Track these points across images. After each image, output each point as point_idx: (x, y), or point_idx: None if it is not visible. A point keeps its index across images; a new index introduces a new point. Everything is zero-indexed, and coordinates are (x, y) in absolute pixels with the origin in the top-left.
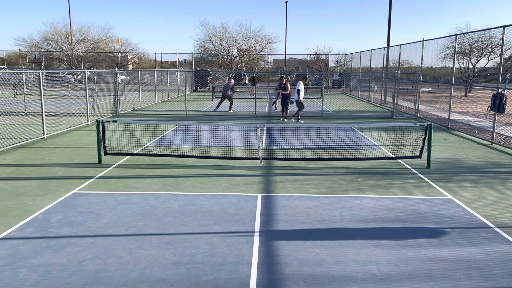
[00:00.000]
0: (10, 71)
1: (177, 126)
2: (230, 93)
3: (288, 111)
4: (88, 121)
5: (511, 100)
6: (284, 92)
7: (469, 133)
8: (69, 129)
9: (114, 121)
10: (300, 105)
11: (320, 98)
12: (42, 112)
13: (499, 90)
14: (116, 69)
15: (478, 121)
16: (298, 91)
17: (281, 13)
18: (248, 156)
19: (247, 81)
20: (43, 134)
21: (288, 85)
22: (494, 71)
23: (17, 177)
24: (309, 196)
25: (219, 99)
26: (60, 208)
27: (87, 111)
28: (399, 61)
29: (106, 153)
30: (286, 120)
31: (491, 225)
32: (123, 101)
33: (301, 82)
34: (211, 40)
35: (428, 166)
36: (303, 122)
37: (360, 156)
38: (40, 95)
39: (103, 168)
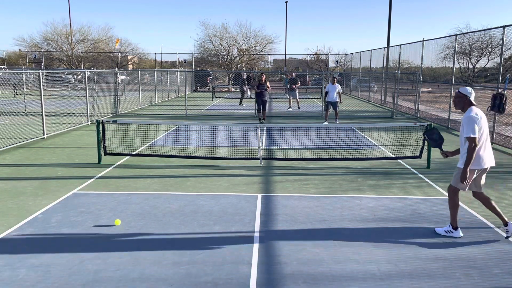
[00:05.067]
0: (10, 71)
1: (177, 126)
2: (244, 88)
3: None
4: (88, 121)
5: (511, 100)
6: (259, 90)
7: None
8: (69, 129)
9: (114, 121)
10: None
11: (320, 98)
12: (42, 112)
13: (499, 90)
14: (116, 69)
15: None
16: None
17: (281, 13)
18: (248, 156)
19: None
20: (43, 134)
21: (268, 83)
22: (494, 71)
23: (17, 177)
24: (309, 196)
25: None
26: (60, 208)
27: (87, 111)
28: (399, 61)
29: (106, 153)
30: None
31: (491, 225)
32: (123, 101)
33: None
34: (211, 40)
35: (428, 166)
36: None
37: (360, 156)
38: (40, 95)
39: (103, 168)
